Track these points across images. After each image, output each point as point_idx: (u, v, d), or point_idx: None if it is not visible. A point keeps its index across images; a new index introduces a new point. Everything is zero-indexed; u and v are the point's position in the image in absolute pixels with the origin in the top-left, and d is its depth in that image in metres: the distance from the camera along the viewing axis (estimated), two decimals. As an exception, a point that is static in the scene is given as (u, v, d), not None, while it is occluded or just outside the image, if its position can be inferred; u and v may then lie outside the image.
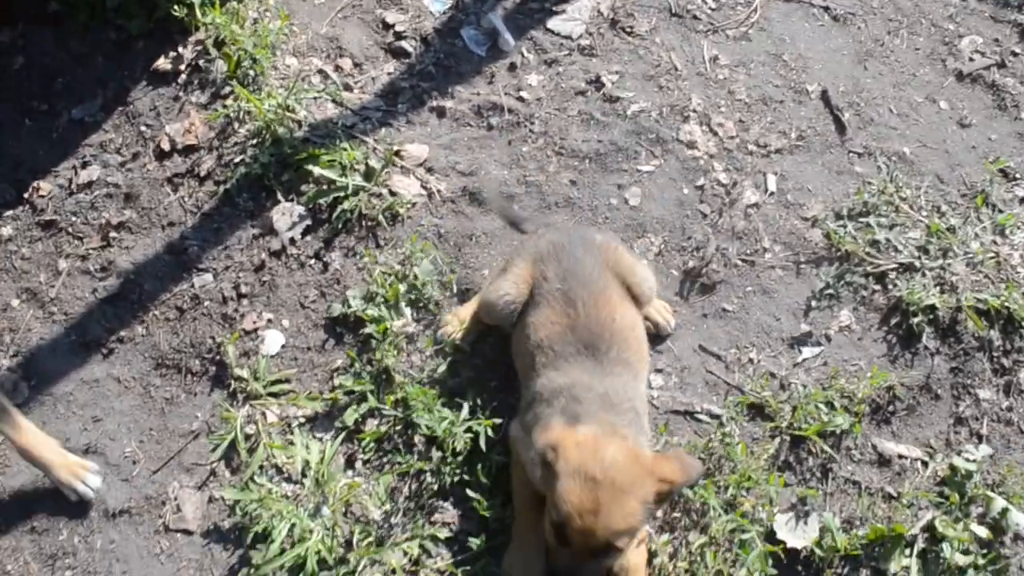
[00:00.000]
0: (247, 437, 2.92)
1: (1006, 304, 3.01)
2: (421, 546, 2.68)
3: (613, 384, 2.47)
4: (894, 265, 3.12)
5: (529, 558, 2.48)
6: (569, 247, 2.70)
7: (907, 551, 2.70)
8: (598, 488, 2.12)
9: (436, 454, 2.78)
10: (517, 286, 2.71)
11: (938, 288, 3.06)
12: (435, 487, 2.77)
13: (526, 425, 2.51)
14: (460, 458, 2.77)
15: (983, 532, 2.71)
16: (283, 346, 3.08)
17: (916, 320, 3.02)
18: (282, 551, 2.71)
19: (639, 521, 2.18)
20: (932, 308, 3.04)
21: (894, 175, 3.33)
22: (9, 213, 3.40)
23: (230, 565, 2.82)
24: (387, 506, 2.77)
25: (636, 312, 2.75)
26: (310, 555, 2.66)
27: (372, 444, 2.87)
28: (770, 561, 2.59)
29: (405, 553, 2.67)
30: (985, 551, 2.69)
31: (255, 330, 3.11)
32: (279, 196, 3.27)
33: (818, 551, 2.68)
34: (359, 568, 2.63)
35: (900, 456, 2.86)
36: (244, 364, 3.03)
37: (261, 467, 2.88)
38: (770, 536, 2.67)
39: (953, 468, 2.81)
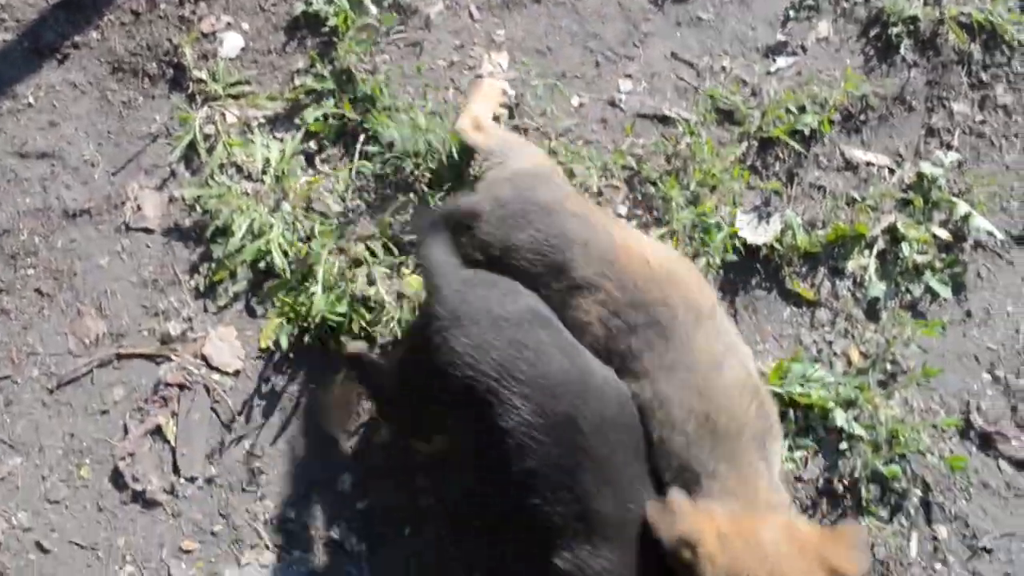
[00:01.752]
0: (206, 137, 2.87)
1: (990, 18, 2.91)
2: (384, 243, 2.65)
3: (711, 378, 1.89)
4: (878, -23, 2.99)
5: None
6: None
7: (867, 251, 2.69)
8: None
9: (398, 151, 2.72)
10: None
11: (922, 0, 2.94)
12: (395, 183, 2.73)
13: None
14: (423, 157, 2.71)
15: (944, 235, 2.69)
16: (243, 49, 2.99)
17: (896, 31, 2.93)
18: (243, 245, 2.68)
19: None
20: (914, 19, 2.94)
21: None
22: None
23: (191, 261, 2.82)
24: (348, 201, 2.73)
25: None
26: (273, 247, 2.63)
27: (332, 141, 2.80)
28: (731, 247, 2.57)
29: (368, 247, 2.65)
30: (944, 255, 2.68)
31: (213, 33, 3.00)
32: None
33: (779, 248, 2.66)
34: (321, 258, 2.61)
35: (868, 163, 2.82)
36: (203, 66, 2.95)
37: (221, 166, 2.84)
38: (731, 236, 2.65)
39: (920, 175, 2.78)
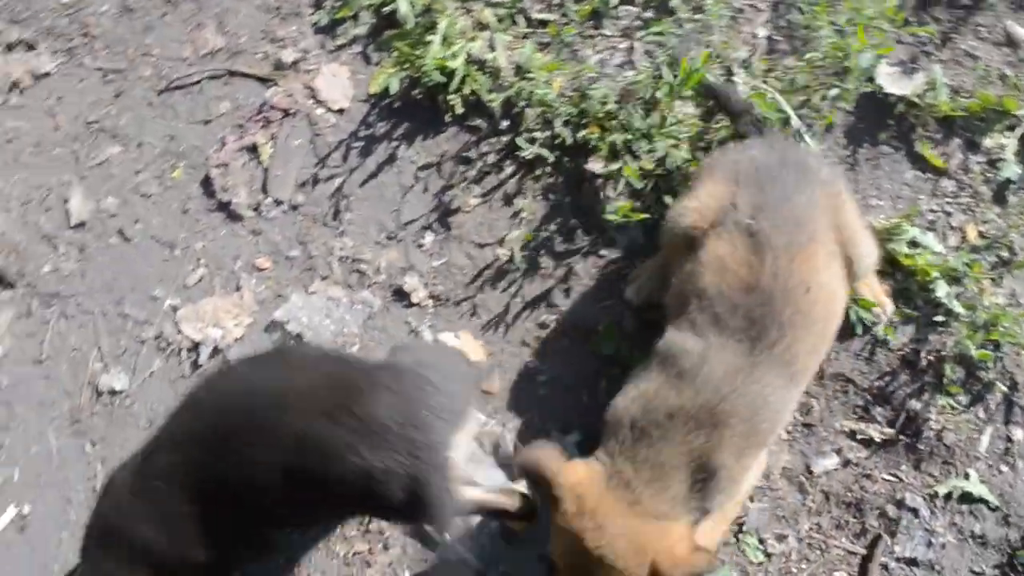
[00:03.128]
0: None
1: None
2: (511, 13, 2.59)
3: (746, 397, 1.86)
4: None
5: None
6: (778, 171, 1.98)
7: (1008, 132, 2.53)
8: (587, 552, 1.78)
9: None
10: (700, 209, 2.02)
11: None
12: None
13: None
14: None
15: (1096, 129, 2.51)
16: None
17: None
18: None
19: None
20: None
21: None
22: None
23: (320, -7, 2.77)
24: (487, -36, 2.65)
25: (841, 285, 2.02)
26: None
27: None
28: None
29: (496, 14, 2.59)
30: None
31: None
32: None
33: (917, 104, 2.52)
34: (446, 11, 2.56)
35: (1029, 43, 2.62)
36: None
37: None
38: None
39: (1084, 64, 2.57)
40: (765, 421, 1.86)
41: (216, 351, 2.56)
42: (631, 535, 1.78)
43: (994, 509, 2.40)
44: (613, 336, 2.44)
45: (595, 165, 2.47)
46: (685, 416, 1.84)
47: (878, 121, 2.58)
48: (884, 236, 2.38)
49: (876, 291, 2.39)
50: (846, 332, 2.45)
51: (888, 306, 2.42)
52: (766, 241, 1.88)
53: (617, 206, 2.44)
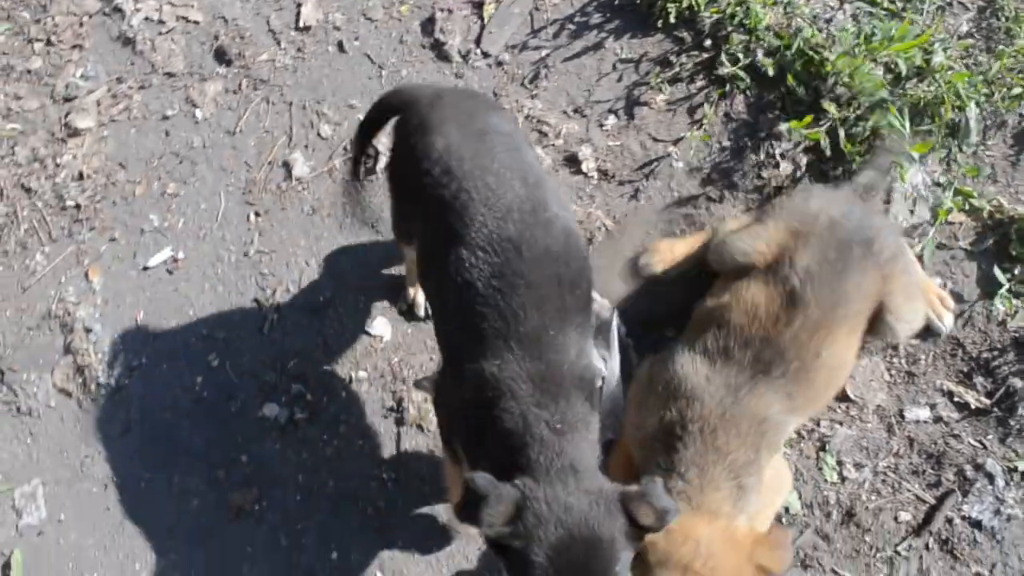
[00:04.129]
0: None
1: None
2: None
3: (744, 424, 2.06)
4: None
5: None
6: (846, 242, 2.16)
7: None
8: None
9: None
10: (764, 253, 2.21)
11: None
12: None
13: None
14: None
15: None
16: None
17: None
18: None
19: None
20: None
21: None
22: None
23: None
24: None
25: (853, 355, 2.25)
26: None
27: None
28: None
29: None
30: None
31: None
32: None
33: (1087, 126, 2.72)
34: None
35: None
36: None
37: None
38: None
39: None
40: (768, 431, 2.07)
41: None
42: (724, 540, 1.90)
43: (1066, 500, 2.52)
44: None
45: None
46: (701, 423, 2.04)
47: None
48: (1020, 222, 2.56)
49: (935, 303, 2.54)
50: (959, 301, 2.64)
51: (947, 317, 2.57)
52: (803, 308, 2.07)
53: (791, 124, 2.66)
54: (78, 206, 2.87)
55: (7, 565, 2.55)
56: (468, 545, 2.45)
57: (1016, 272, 2.63)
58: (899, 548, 2.46)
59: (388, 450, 2.54)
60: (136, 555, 2.54)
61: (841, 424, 2.56)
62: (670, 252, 2.56)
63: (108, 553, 2.57)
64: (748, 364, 2.06)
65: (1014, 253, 2.63)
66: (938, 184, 2.68)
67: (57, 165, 2.92)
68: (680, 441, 2.03)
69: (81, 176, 2.92)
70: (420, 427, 2.55)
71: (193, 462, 2.58)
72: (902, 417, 2.57)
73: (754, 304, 2.11)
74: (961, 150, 2.71)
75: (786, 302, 2.08)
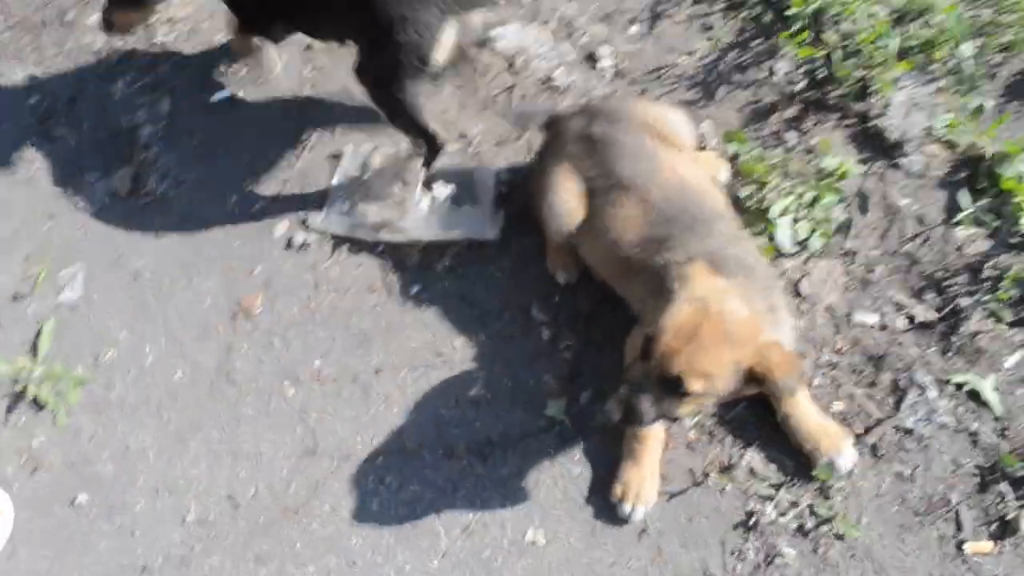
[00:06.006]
0: None
1: None
2: None
3: (734, 238, 2.39)
4: None
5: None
6: (597, 133, 2.51)
7: None
8: (706, 321, 2.01)
9: None
10: (569, 202, 2.52)
11: None
12: None
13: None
14: None
15: None
16: None
17: None
18: None
19: (721, 380, 2.04)
20: None
21: None
22: None
23: None
24: None
25: (692, 159, 2.61)
26: None
27: None
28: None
29: None
30: None
31: None
32: None
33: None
34: None
35: None
36: None
37: None
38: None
39: None
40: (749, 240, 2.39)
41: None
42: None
43: (996, 419, 2.65)
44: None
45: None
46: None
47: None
48: (999, 159, 2.73)
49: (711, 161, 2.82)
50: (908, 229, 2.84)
51: (725, 170, 2.80)
52: (633, 182, 2.41)
53: (791, 46, 2.94)
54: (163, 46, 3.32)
55: (39, 333, 2.95)
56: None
57: (980, 203, 2.78)
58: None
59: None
60: (149, 339, 2.92)
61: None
62: (567, 256, 2.72)
63: (126, 334, 2.94)
64: (680, 224, 2.35)
65: (980, 187, 2.79)
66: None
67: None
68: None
69: (170, 20, 3.37)
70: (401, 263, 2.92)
71: (211, 266, 2.96)
72: (850, 319, 2.75)
73: (622, 218, 2.41)
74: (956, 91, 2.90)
75: (626, 195, 2.40)
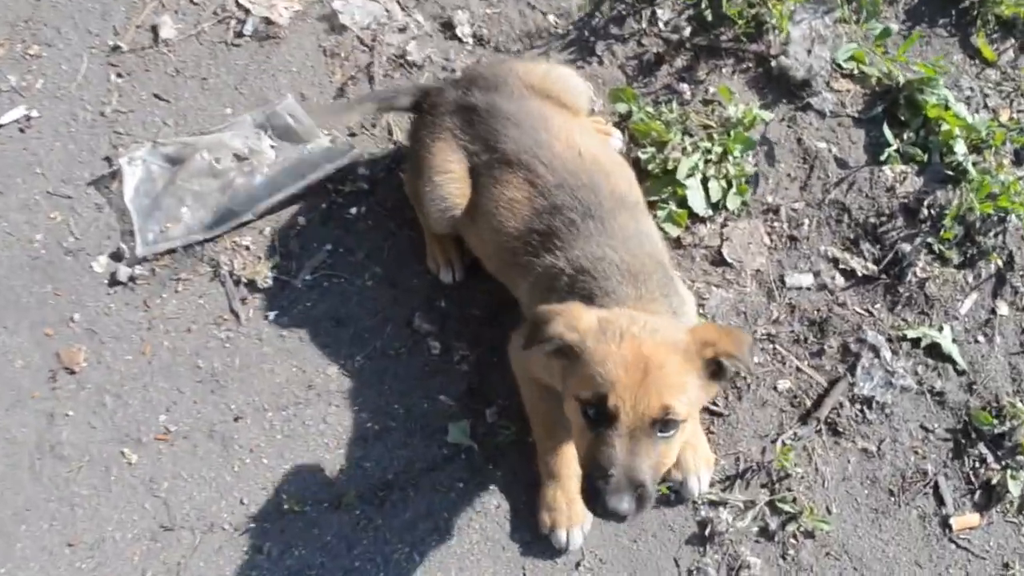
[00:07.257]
0: None
1: None
2: None
3: (625, 241, 1.96)
4: None
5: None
6: (477, 101, 2.13)
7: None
8: (640, 345, 1.67)
9: None
10: (450, 183, 2.14)
11: None
12: None
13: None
14: None
15: None
16: None
17: None
18: None
19: (693, 385, 1.71)
20: None
21: None
22: None
23: None
24: None
25: (590, 126, 2.26)
26: None
27: None
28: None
29: None
30: None
31: None
32: None
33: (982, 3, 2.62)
34: None
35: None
36: None
37: None
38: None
39: None
40: (649, 258, 1.94)
41: (268, 21, 2.68)
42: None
43: (961, 373, 2.34)
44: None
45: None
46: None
47: (943, 8, 2.67)
48: (918, 85, 2.42)
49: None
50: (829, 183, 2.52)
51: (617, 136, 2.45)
52: (519, 155, 2.03)
53: None
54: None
55: None
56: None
57: (905, 137, 2.46)
58: (784, 439, 2.27)
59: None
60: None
61: (718, 287, 2.37)
62: (450, 249, 2.38)
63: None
64: (572, 212, 1.97)
65: (903, 118, 2.49)
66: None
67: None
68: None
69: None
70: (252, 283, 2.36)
71: (21, 319, 2.37)
72: (783, 282, 2.40)
73: (505, 199, 2.05)
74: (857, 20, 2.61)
75: (511, 169, 2.04)
